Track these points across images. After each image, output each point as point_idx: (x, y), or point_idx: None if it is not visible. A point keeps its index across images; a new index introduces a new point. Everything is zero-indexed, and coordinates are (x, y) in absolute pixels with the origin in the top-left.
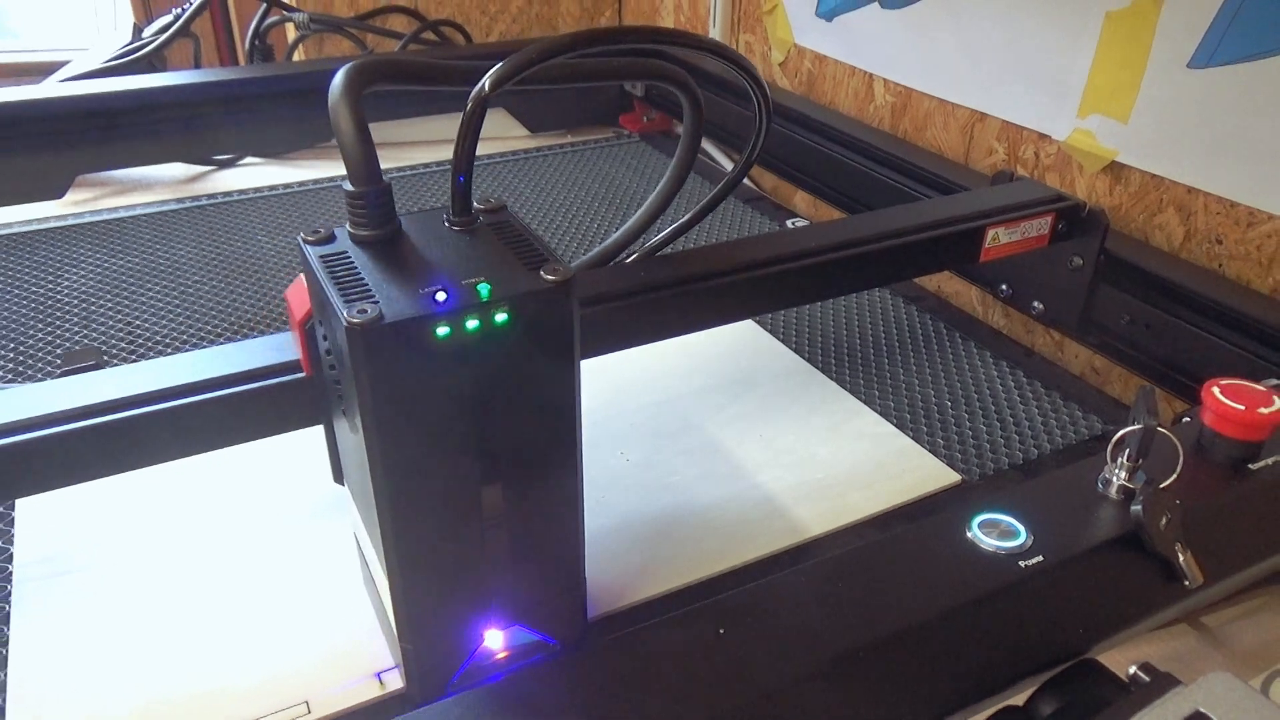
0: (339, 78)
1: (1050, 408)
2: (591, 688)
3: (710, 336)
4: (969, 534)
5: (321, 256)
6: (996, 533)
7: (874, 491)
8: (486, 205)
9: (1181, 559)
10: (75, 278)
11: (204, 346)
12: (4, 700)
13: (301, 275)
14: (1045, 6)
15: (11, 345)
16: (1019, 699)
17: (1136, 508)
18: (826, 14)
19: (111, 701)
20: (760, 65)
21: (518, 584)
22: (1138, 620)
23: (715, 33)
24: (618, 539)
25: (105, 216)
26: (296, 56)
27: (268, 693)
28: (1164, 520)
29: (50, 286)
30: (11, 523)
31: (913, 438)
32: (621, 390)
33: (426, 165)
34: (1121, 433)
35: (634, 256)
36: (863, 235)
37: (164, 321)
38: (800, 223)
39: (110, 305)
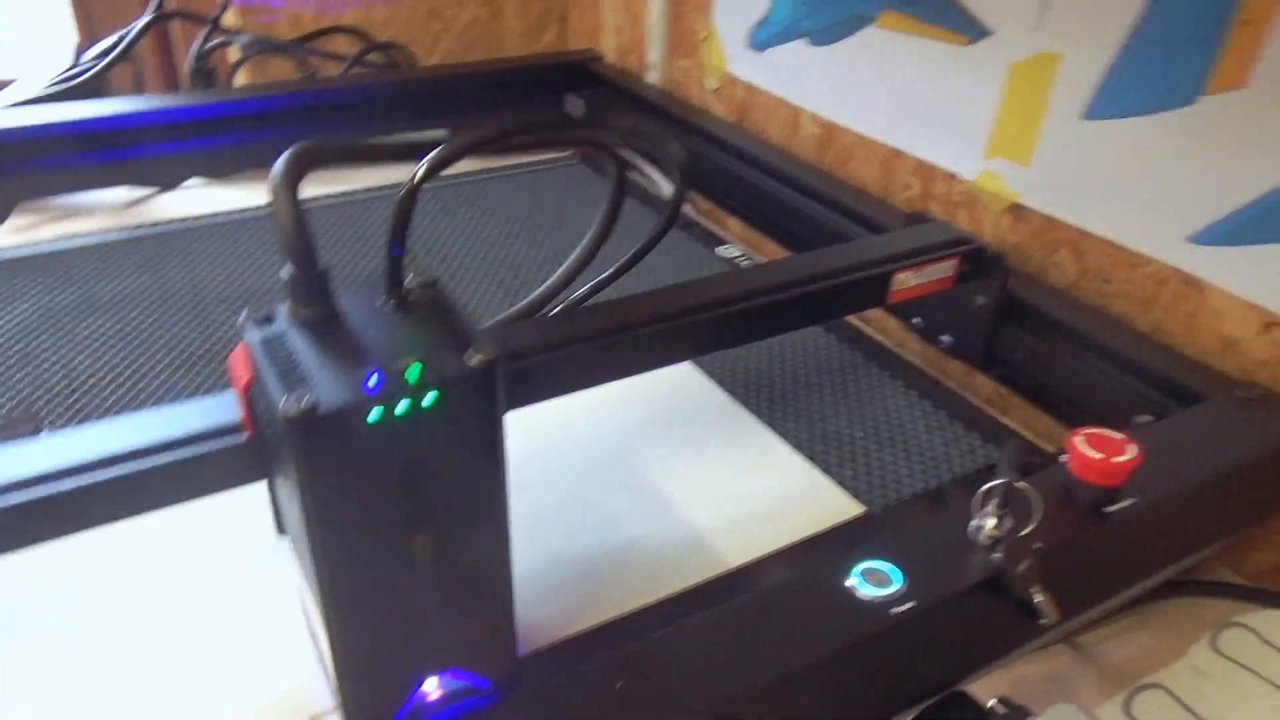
0: (278, 164)
1: (953, 437)
2: None
3: None
4: (848, 581)
5: (263, 340)
6: (875, 580)
7: (784, 525)
8: (420, 279)
9: (1039, 600)
10: (14, 313)
11: (143, 384)
12: None
13: (244, 342)
14: (955, 54)
15: None
16: None
17: (998, 555)
18: (758, 45)
19: None
20: (695, 91)
21: (450, 630)
22: (1000, 656)
23: (653, 56)
24: (546, 576)
25: (46, 249)
26: (239, 79)
27: None
28: (1023, 565)
29: None
30: None
31: (823, 470)
32: (548, 428)
33: (366, 190)
34: (987, 485)
35: (559, 308)
36: (778, 282)
37: (103, 359)
38: (731, 250)
39: (49, 342)
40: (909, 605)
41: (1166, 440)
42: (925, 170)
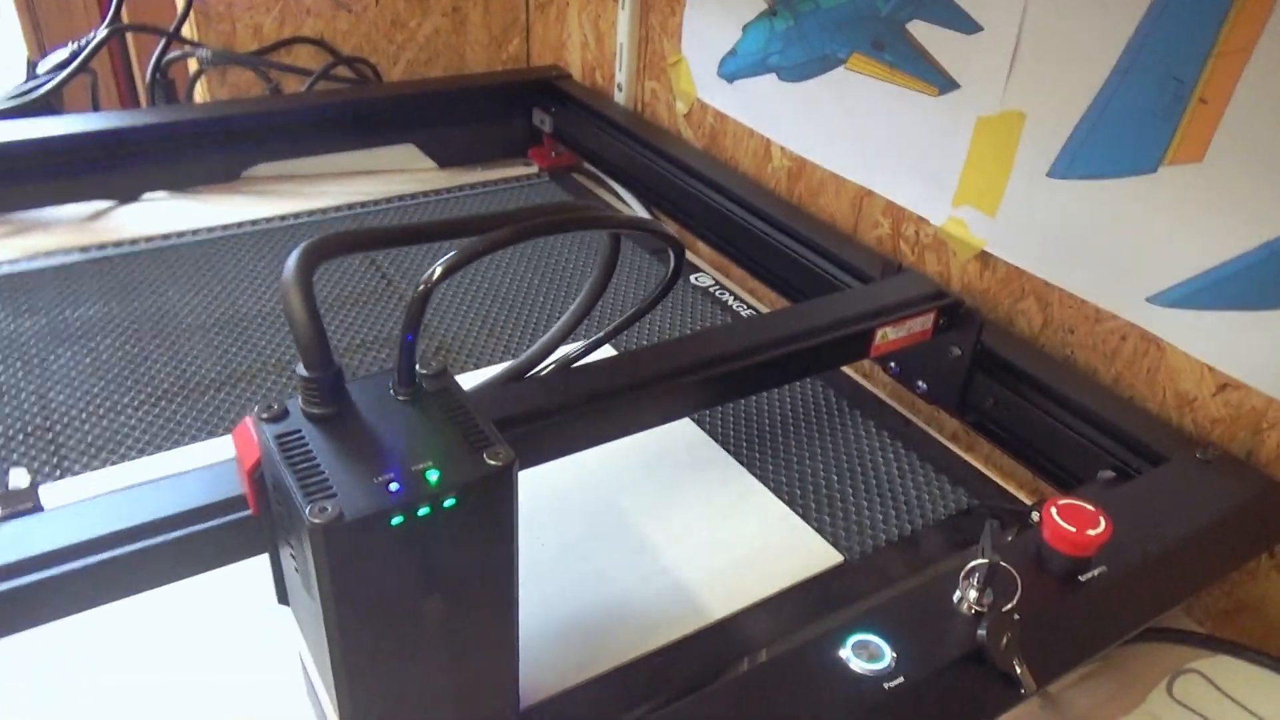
0: (290, 261)
1: (924, 480)
2: None
3: None
4: (842, 654)
5: (277, 438)
6: (866, 654)
7: (766, 573)
8: (428, 370)
9: (1019, 671)
10: None
11: (120, 420)
12: None
13: (247, 420)
14: (924, 103)
15: None
16: None
17: (982, 632)
18: (727, 76)
19: None
20: (665, 114)
21: (456, 690)
22: None
23: (621, 77)
24: (541, 632)
25: (5, 270)
26: (198, 90)
27: None
28: (1005, 640)
29: None
30: None
31: (801, 515)
32: (536, 474)
33: (338, 208)
34: (971, 564)
35: (550, 369)
36: (765, 340)
37: (77, 393)
38: (702, 279)
39: (21, 375)
40: (899, 681)
41: (1134, 506)
42: (895, 211)
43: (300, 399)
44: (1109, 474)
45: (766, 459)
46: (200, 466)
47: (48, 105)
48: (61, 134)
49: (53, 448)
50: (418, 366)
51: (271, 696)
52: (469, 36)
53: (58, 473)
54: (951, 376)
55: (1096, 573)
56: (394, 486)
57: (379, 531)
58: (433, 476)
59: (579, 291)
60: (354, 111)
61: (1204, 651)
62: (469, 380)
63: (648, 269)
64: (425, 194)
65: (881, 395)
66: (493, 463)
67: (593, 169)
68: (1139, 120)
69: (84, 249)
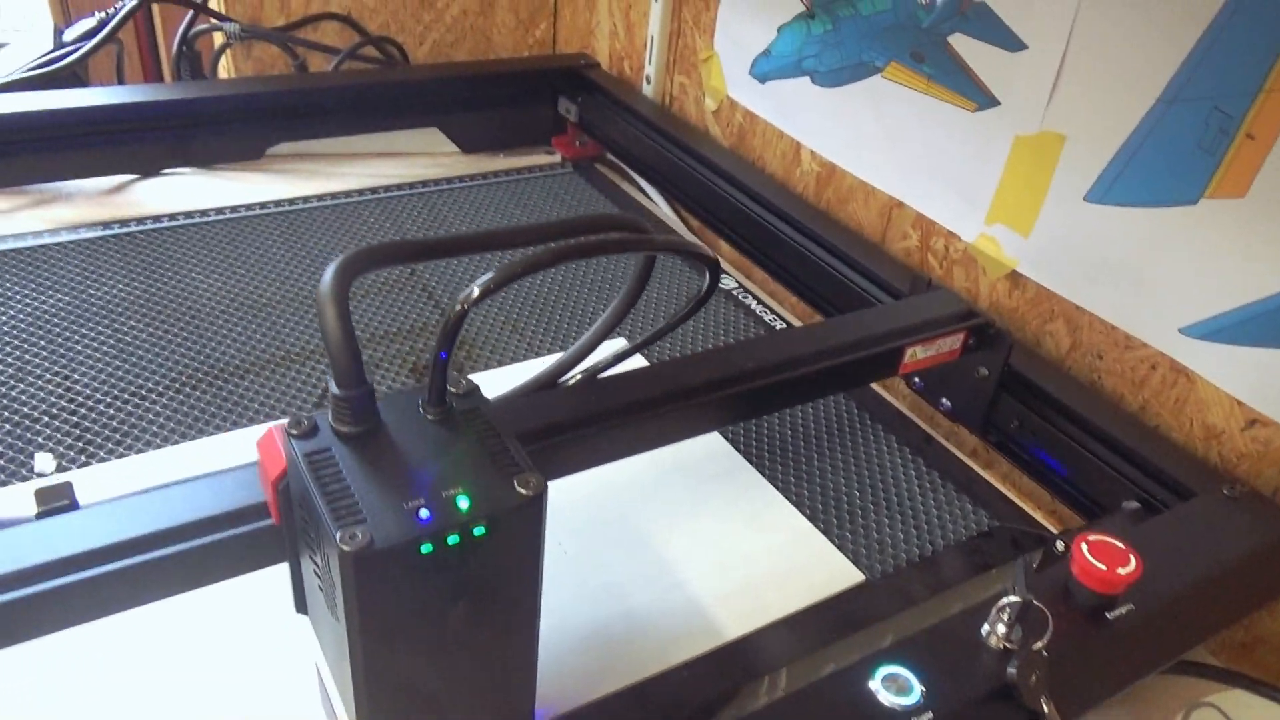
0: (327, 275)
1: (945, 499)
2: None
3: None
4: (871, 686)
5: (307, 456)
6: (895, 688)
7: (787, 591)
8: (458, 388)
9: (1046, 710)
10: (3, 319)
11: (145, 405)
12: None
13: (273, 430)
14: (962, 117)
15: None
16: None
17: (1012, 670)
18: (759, 76)
19: None
20: (693, 110)
21: (474, 705)
22: None
23: (650, 70)
24: (558, 643)
25: (30, 243)
26: (223, 65)
27: None
28: (1034, 678)
29: None
30: None
31: (822, 530)
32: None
33: (361, 192)
34: (1003, 601)
35: (576, 380)
36: (797, 356)
37: (101, 374)
38: (725, 281)
39: (45, 353)
40: (928, 716)
41: (1162, 543)
42: (925, 223)
43: (330, 415)
44: (1134, 505)
45: (789, 471)
46: (226, 469)
47: (73, 75)
48: (85, 105)
49: (77, 431)
50: (448, 385)
51: (285, 705)
52: (496, 19)
53: (82, 458)
54: (977, 396)
55: (1124, 610)
56: (424, 513)
57: (408, 559)
58: (463, 504)
59: (606, 291)
60: (379, 93)
61: (1220, 685)
62: (493, 379)
63: (676, 272)
64: (449, 180)
65: (901, 407)
66: (524, 491)
67: (616, 160)
68: (1182, 151)
69: (105, 224)
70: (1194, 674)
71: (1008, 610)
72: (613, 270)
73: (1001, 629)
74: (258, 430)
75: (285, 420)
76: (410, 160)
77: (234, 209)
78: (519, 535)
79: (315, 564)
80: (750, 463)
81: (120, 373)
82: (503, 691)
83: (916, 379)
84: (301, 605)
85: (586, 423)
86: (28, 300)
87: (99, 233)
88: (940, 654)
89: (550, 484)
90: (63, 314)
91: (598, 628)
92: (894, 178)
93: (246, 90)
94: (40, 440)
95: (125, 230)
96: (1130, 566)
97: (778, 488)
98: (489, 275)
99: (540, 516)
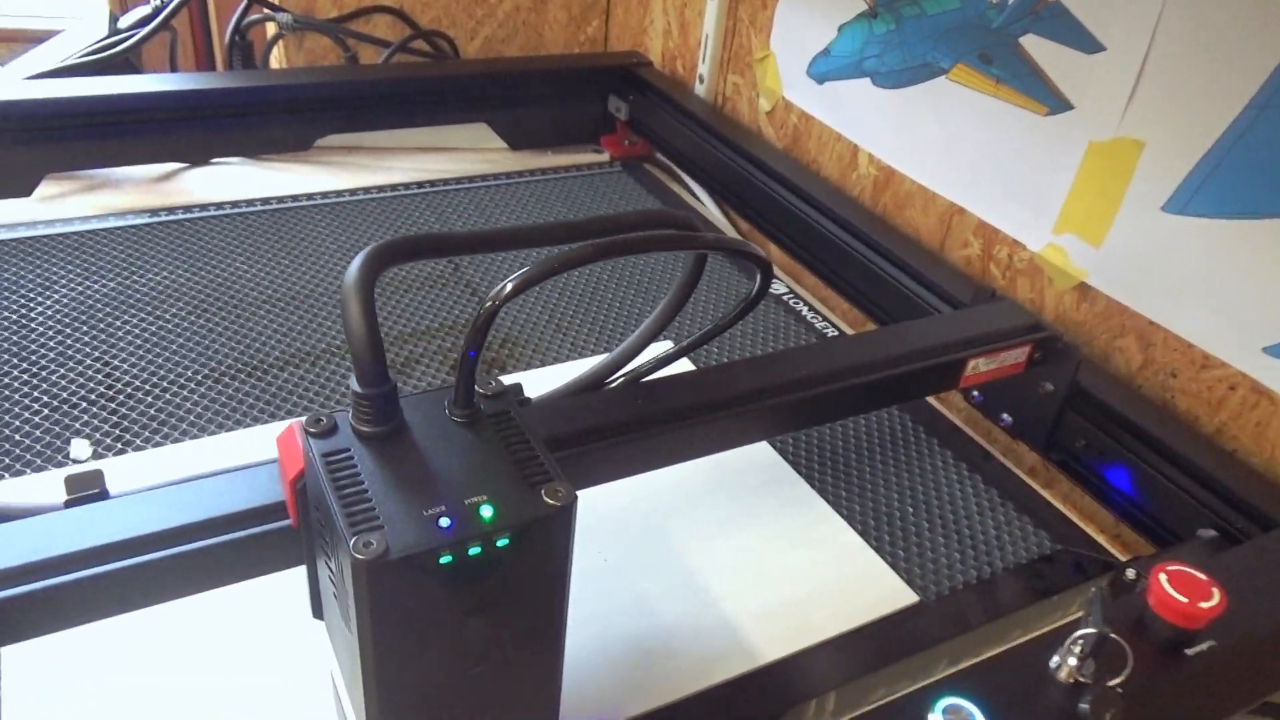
0: (354, 266)
1: (1004, 519)
2: None
3: None
4: (931, 718)
5: (324, 456)
6: None
7: (836, 611)
8: (487, 389)
9: None
10: (50, 302)
11: (183, 395)
12: None
13: (293, 426)
14: (1031, 122)
15: None
16: None
17: (1085, 706)
18: (817, 76)
19: None
20: (746, 111)
21: None
22: None
23: (704, 69)
24: (592, 654)
25: (77, 227)
26: (275, 55)
27: None
28: (1108, 717)
29: (22, 313)
30: None
31: (875, 548)
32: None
33: (408, 186)
34: (1079, 633)
35: (619, 382)
36: (853, 364)
37: (141, 362)
38: (775, 286)
39: (87, 338)
40: None
41: (1244, 576)
42: (987, 231)
43: (351, 415)
44: (1210, 533)
45: (840, 484)
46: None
47: (126, 62)
48: (137, 92)
49: (114, 419)
50: (476, 385)
51: (298, 714)
52: (548, 15)
53: (119, 445)
54: (1041, 412)
55: (1205, 647)
56: (445, 522)
57: (426, 569)
58: (487, 513)
59: (652, 291)
60: (429, 87)
61: None
62: (536, 379)
63: (724, 275)
64: (495, 176)
65: (956, 420)
66: (552, 502)
67: (665, 160)
68: (1272, 161)
69: (153, 211)
70: (1259, 713)
71: (1081, 642)
72: (661, 271)
73: (1073, 662)
74: None
75: (306, 417)
76: (458, 155)
77: (280, 200)
78: (545, 548)
79: (330, 570)
80: (800, 474)
81: (161, 360)
82: (523, 712)
83: (976, 393)
84: (318, 610)
85: (629, 427)
86: (73, 285)
87: (146, 220)
88: (1005, 686)
89: (593, 490)
90: (107, 300)
91: (635, 642)
92: (956, 183)
93: (296, 81)
94: (78, 426)
95: (172, 218)
96: (1213, 600)
97: (828, 501)
98: (524, 271)
99: (569, 529)
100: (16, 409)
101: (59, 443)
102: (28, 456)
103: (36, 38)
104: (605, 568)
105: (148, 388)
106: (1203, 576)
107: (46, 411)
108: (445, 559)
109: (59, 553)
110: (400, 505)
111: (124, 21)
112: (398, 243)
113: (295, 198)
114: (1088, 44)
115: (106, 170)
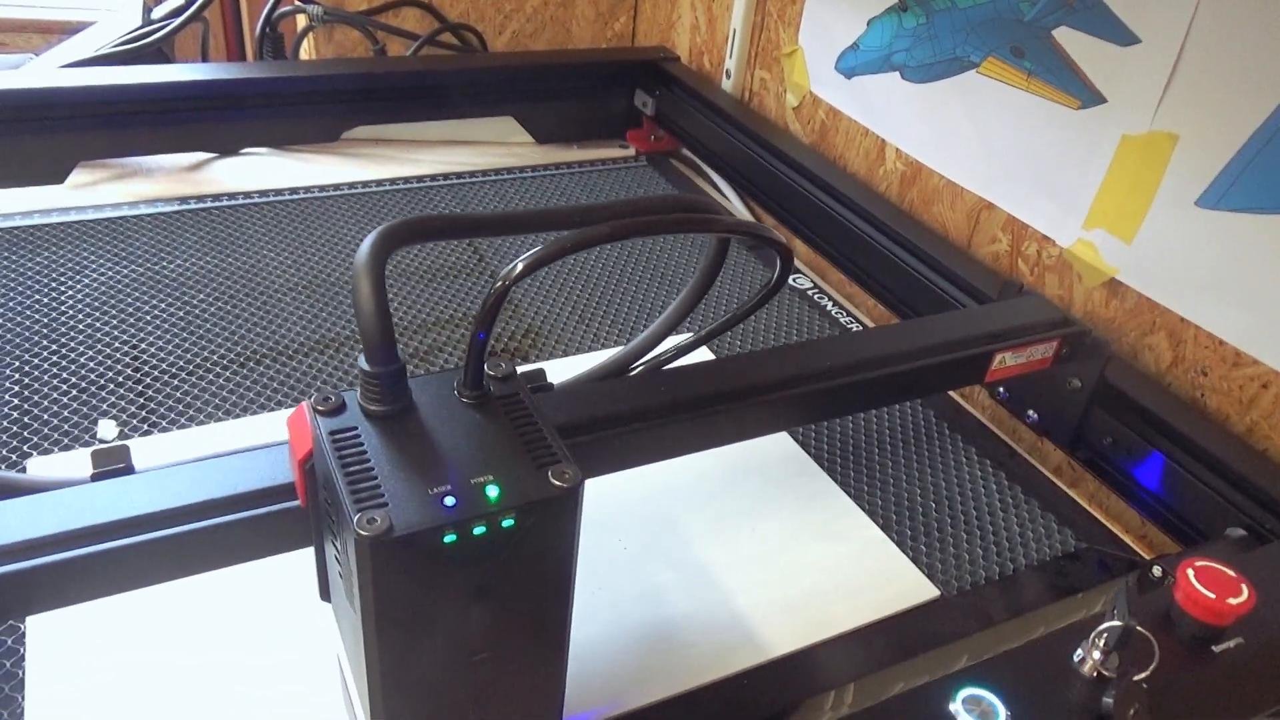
0: (365, 246)
1: (1028, 516)
2: None
3: None
4: (951, 708)
5: (331, 434)
6: (978, 711)
7: (856, 604)
8: (496, 372)
9: None
10: (78, 287)
11: (209, 379)
12: None
13: (303, 406)
14: (1063, 115)
15: (17, 364)
16: None
17: (1108, 699)
18: (845, 71)
19: None
20: (773, 106)
21: (498, 710)
22: None
23: (731, 64)
24: (611, 641)
25: (109, 214)
26: (305, 47)
27: None
28: (1133, 711)
29: (53, 296)
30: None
31: (896, 542)
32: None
33: (434, 177)
34: (1104, 626)
35: (639, 370)
36: (876, 356)
37: (168, 346)
38: (800, 281)
39: (115, 321)
40: None
41: (1273, 574)
42: (1016, 227)
43: (359, 393)
44: (1239, 532)
45: (861, 478)
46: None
47: (159, 52)
48: (169, 82)
49: (141, 400)
50: (486, 367)
51: (304, 696)
52: (576, 10)
53: (145, 427)
54: (1068, 409)
55: (1232, 644)
56: (449, 500)
57: (430, 548)
58: (492, 493)
59: (675, 282)
60: (456, 80)
61: None
62: (558, 368)
63: (745, 265)
64: (520, 169)
65: (980, 417)
66: (558, 484)
67: (691, 156)
68: None
69: (183, 199)
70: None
71: (1106, 635)
72: (682, 262)
73: (1097, 655)
74: None
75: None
76: (484, 148)
77: (308, 190)
78: (551, 530)
79: (336, 548)
80: (822, 467)
81: (188, 344)
82: (528, 696)
83: (1002, 389)
84: (326, 593)
85: (650, 414)
86: (103, 270)
87: (175, 207)
88: (1028, 678)
89: (613, 479)
90: (136, 285)
91: (653, 629)
92: (984, 178)
93: (325, 73)
94: (105, 408)
95: (201, 206)
96: (1242, 596)
97: (849, 494)
98: (535, 250)
99: (575, 512)
100: (46, 390)
101: (86, 423)
102: (56, 436)
103: (71, 28)
104: (625, 556)
105: (174, 371)
106: (1232, 573)
107: (75, 393)
108: (449, 538)
109: (80, 525)
110: (406, 484)
111: (157, 12)
112: (409, 222)
113: (322, 188)
114: (1122, 36)
115: (138, 159)
